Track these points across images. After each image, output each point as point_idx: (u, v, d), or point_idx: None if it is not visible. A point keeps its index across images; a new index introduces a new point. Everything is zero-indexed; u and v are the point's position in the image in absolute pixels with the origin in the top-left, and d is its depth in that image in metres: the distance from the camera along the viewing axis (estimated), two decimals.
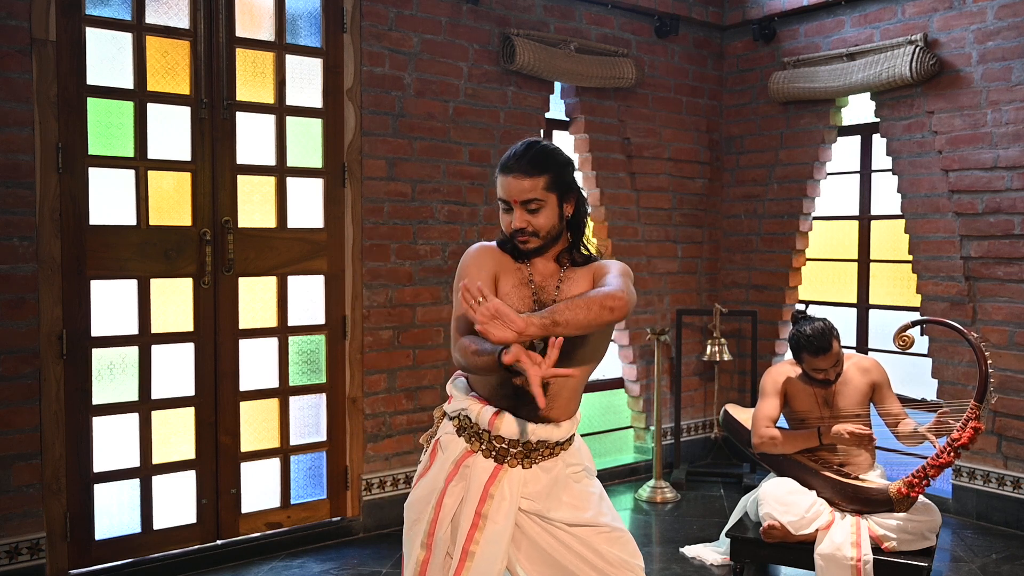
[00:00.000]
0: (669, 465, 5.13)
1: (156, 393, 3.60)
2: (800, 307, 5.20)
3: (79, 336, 3.40)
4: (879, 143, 4.73)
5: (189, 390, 3.68)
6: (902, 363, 4.51)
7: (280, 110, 3.85)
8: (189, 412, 3.69)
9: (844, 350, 3.50)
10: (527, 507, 2.03)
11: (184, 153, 3.63)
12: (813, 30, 4.95)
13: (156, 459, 3.61)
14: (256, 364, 3.85)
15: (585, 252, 2.14)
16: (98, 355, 3.48)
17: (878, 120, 4.67)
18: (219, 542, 3.76)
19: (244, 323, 3.79)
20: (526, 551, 2.05)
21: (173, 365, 3.65)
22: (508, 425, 2.02)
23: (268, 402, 3.89)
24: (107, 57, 3.47)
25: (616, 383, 5.25)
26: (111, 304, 3.51)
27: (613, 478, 4.98)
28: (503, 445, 2.04)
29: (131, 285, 3.54)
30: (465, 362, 1.94)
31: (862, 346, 4.92)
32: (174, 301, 3.64)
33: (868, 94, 4.68)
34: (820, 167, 5.06)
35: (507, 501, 2.01)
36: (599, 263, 2.12)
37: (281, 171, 3.87)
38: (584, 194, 2.15)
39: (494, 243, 2.14)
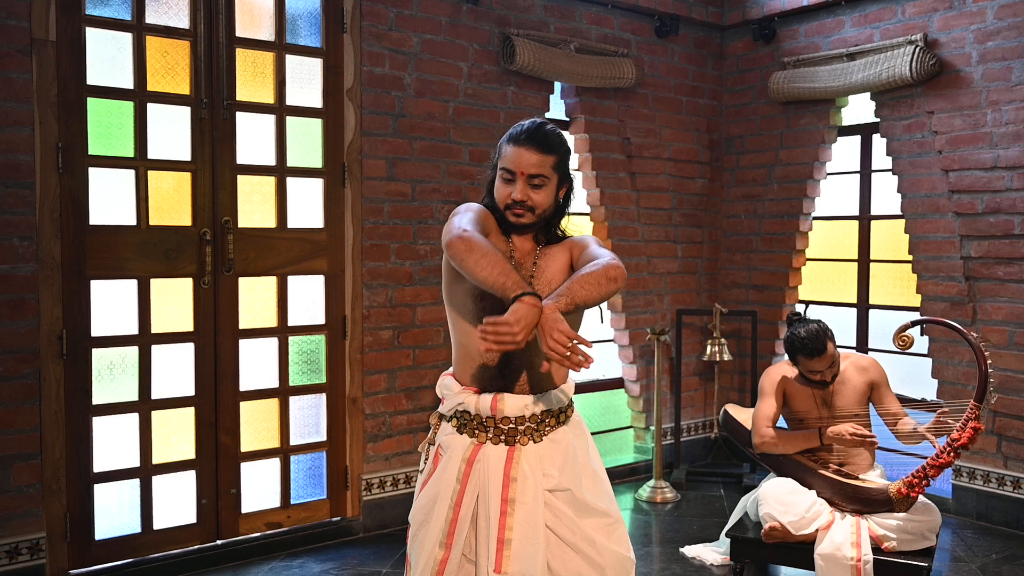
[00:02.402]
0: (669, 465, 5.13)
1: (156, 393, 3.60)
2: (800, 307, 5.21)
3: (79, 336, 3.40)
4: (879, 143, 4.73)
5: (189, 390, 3.68)
6: (902, 363, 4.51)
7: (280, 110, 3.85)
8: (189, 412, 3.69)
9: (842, 350, 3.51)
10: (545, 484, 2.02)
11: (184, 153, 3.63)
12: (813, 30, 4.95)
13: (156, 459, 3.61)
14: (256, 364, 3.85)
15: (560, 233, 2.17)
16: (98, 355, 3.48)
17: (878, 120, 4.67)
18: (219, 542, 3.76)
19: (244, 323, 3.79)
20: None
21: (173, 365, 3.65)
22: (511, 404, 2.03)
23: (268, 402, 3.89)
24: (107, 57, 3.47)
25: (616, 383, 5.25)
26: (111, 304, 3.51)
27: (613, 478, 4.95)
28: (511, 426, 2.04)
29: (131, 285, 3.54)
30: (472, 258, 1.87)
31: (862, 346, 4.92)
32: (174, 301, 3.64)
33: (868, 94, 4.68)
34: (820, 167, 5.06)
35: (530, 479, 2.00)
36: (572, 239, 2.16)
37: (281, 171, 3.87)
38: (574, 184, 2.18)
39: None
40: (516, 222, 2.06)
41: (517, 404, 2.03)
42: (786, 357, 3.78)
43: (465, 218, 2.00)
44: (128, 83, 3.51)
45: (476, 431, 2.07)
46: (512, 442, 2.04)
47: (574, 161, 5.00)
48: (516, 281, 1.83)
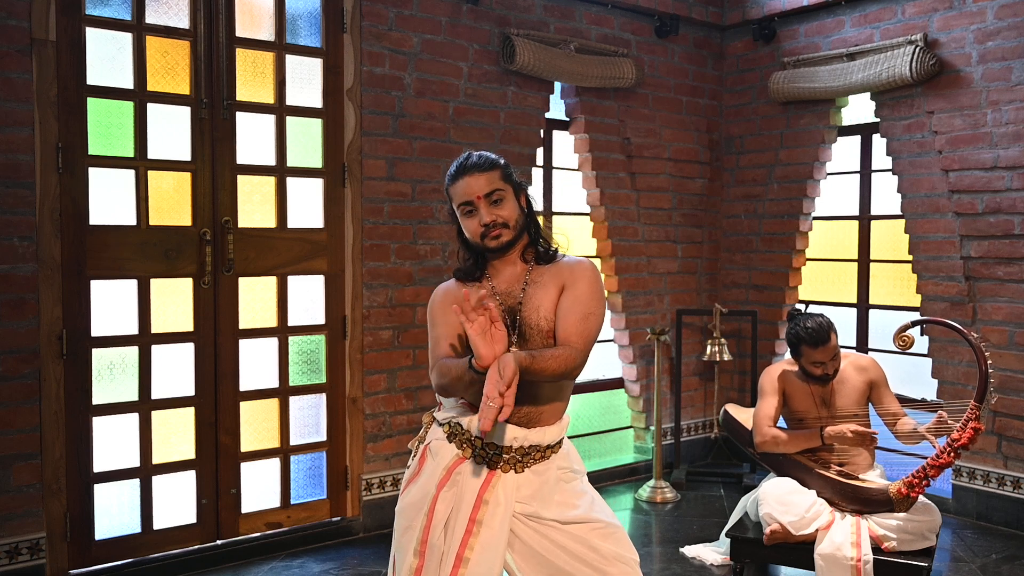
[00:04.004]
0: (669, 465, 5.13)
1: (156, 393, 3.60)
2: (800, 306, 5.21)
3: (79, 336, 3.40)
4: (879, 143, 4.73)
5: (189, 390, 3.68)
6: (902, 363, 4.51)
7: (280, 110, 3.85)
8: (189, 412, 3.69)
9: (842, 349, 3.51)
10: (520, 509, 2.04)
11: (184, 153, 3.63)
12: (813, 30, 4.95)
13: (156, 459, 3.61)
14: (256, 364, 3.85)
15: (544, 246, 2.16)
16: (98, 355, 3.48)
17: (878, 120, 4.66)
18: (219, 542, 3.76)
19: (244, 323, 3.79)
20: (520, 553, 2.05)
21: (173, 365, 3.65)
22: (500, 432, 2.03)
23: (268, 402, 3.89)
24: (107, 57, 3.47)
25: (616, 383, 5.25)
26: (111, 304, 3.51)
27: (613, 478, 4.98)
28: (496, 452, 2.05)
29: (131, 285, 3.54)
30: (446, 382, 2.02)
31: (862, 346, 4.92)
32: (174, 301, 3.64)
33: (868, 94, 4.68)
34: (820, 167, 5.06)
35: (502, 507, 2.01)
36: (568, 268, 2.12)
37: (281, 171, 3.87)
38: (529, 190, 2.20)
39: (451, 281, 2.21)
40: (497, 245, 2.07)
41: (507, 435, 2.04)
42: (786, 356, 3.78)
43: (434, 361, 2.09)
44: (128, 83, 3.51)
45: (463, 445, 2.08)
46: (494, 466, 2.06)
47: (574, 161, 5.00)
48: (460, 366, 1.95)
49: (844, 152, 5.07)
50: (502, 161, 2.12)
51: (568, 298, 2.06)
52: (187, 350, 3.67)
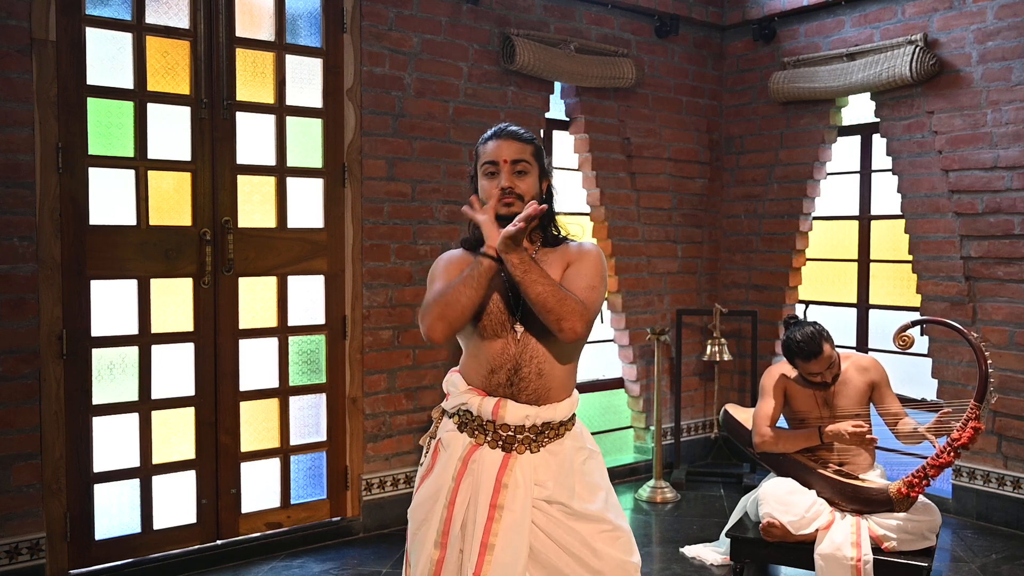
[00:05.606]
0: (669, 465, 5.13)
1: (156, 393, 3.60)
2: (800, 308, 5.21)
3: (79, 336, 3.40)
4: (879, 143, 4.73)
5: (189, 390, 3.68)
6: (902, 363, 4.51)
7: (280, 110, 3.85)
8: (189, 412, 3.69)
9: (843, 350, 3.51)
10: (538, 494, 2.03)
11: (184, 153, 3.63)
12: (813, 30, 4.95)
13: (156, 459, 3.61)
14: (256, 364, 3.85)
15: (555, 232, 2.17)
16: (98, 355, 3.48)
17: (878, 120, 4.67)
18: (219, 542, 3.76)
19: (244, 323, 3.79)
20: None
21: (173, 365, 3.65)
22: (512, 412, 2.03)
23: (268, 402, 3.89)
24: (107, 57, 3.47)
25: (616, 383, 5.25)
26: (111, 304, 3.51)
27: (613, 478, 4.92)
28: (509, 433, 2.05)
29: (131, 285, 3.54)
30: (449, 296, 2.00)
31: (862, 346, 4.92)
32: (174, 301, 3.64)
33: (868, 94, 4.68)
34: (820, 167, 5.06)
35: (521, 488, 2.01)
36: (576, 249, 2.14)
37: (281, 171, 3.87)
38: (554, 183, 2.22)
39: (458, 250, 2.21)
40: (508, 213, 2.05)
41: (519, 413, 2.04)
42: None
43: (431, 289, 2.10)
44: (128, 83, 3.51)
45: (475, 432, 2.07)
46: (509, 449, 2.05)
47: (574, 161, 5.00)
48: (472, 267, 1.99)
49: (844, 152, 5.07)
50: (537, 141, 2.15)
51: (573, 271, 2.07)
52: (187, 350, 3.67)
